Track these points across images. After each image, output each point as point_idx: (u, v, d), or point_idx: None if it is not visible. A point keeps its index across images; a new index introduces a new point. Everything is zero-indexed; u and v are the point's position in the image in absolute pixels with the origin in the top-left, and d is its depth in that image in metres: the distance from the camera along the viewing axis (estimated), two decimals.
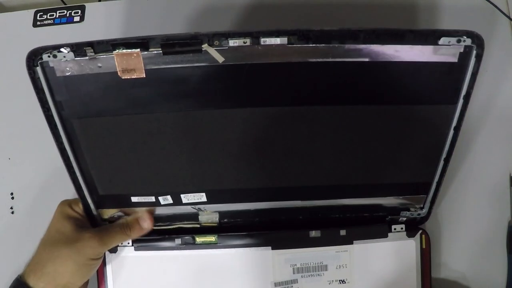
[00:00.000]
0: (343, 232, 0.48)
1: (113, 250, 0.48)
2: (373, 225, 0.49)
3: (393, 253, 0.48)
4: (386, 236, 0.48)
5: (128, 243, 0.48)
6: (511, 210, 0.51)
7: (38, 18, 0.61)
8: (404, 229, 0.49)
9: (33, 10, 0.61)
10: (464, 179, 0.52)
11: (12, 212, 0.55)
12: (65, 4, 0.64)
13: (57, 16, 0.61)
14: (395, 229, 0.49)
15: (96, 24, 0.60)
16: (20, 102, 0.56)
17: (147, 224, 0.47)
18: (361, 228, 0.48)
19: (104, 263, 0.48)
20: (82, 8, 0.61)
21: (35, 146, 0.55)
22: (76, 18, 0.60)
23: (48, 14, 0.61)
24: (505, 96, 0.54)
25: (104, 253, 0.48)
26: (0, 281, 0.52)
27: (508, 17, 0.56)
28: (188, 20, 0.59)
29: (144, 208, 0.48)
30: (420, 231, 0.49)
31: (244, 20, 0.58)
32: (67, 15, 0.61)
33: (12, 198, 0.55)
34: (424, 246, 0.49)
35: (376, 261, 0.48)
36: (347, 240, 0.48)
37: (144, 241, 0.48)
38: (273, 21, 0.57)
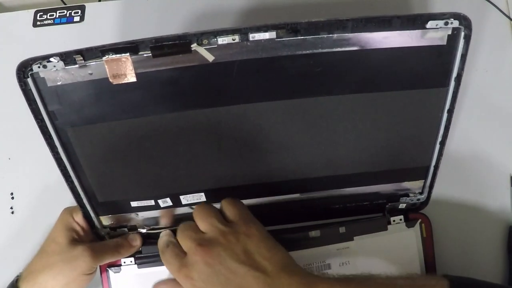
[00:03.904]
0: (342, 229, 0.48)
1: (117, 270, 0.49)
2: (371, 219, 0.49)
3: (395, 244, 0.48)
4: (385, 229, 0.48)
5: (131, 262, 0.49)
6: (511, 210, 0.51)
7: (38, 18, 0.61)
8: (403, 220, 0.48)
9: (33, 10, 0.61)
10: (464, 179, 0.52)
11: (12, 212, 0.55)
12: (65, 4, 0.64)
13: (57, 16, 0.61)
14: (394, 221, 0.48)
15: (96, 24, 0.60)
16: (20, 102, 0.55)
17: (135, 242, 0.48)
18: (360, 224, 0.49)
19: (108, 284, 0.49)
20: (82, 8, 0.61)
21: (35, 146, 0.55)
22: (76, 18, 0.60)
23: (48, 14, 0.61)
24: (505, 96, 0.54)
25: (109, 274, 0.48)
26: (0, 281, 0.52)
27: (508, 17, 0.56)
28: (187, 20, 0.59)
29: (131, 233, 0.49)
30: (419, 220, 0.48)
31: (242, 22, 0.58)
32: (67, 15, 0.61)
33: (12, 198, 0.55)
34: (425, 235, 0.48)
35: (378, 254, 0.48)
36: (347, 237, 0.48)
37: (146, 257, 0.49)
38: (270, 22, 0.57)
